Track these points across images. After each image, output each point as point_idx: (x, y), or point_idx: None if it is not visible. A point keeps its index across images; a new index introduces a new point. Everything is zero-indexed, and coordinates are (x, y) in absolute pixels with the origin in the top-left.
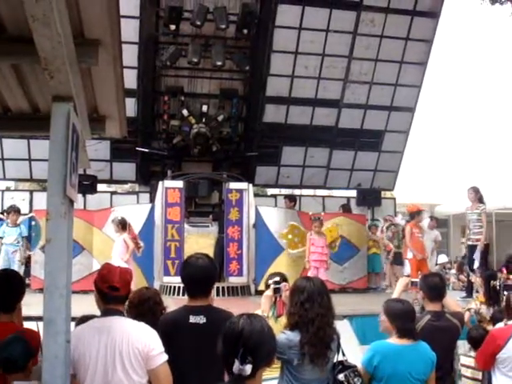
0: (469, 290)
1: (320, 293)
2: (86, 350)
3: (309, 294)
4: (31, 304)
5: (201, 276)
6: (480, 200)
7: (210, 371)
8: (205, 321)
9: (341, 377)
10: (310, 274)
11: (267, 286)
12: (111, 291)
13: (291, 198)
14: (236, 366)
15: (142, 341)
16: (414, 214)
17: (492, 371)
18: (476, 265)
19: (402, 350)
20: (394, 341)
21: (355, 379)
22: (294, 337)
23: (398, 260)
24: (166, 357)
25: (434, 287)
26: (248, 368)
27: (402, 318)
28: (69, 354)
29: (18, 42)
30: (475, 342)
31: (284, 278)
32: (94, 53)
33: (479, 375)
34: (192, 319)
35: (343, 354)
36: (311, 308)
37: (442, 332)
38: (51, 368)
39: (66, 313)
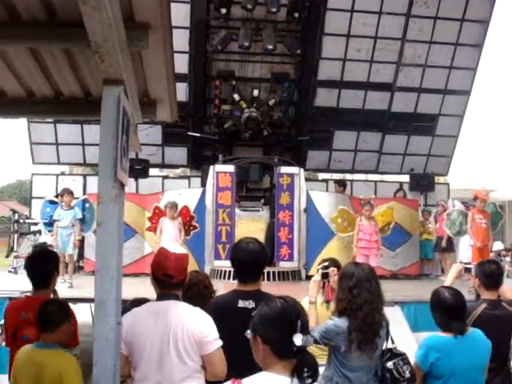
0: None
1: (368, 279)
2: (143, 332)
3: (357, 280)
4: (84, 286)
5: (251, 260)
6: None
7: None
8: (254, 305)
9: (389, 364)
10: (359, 260)
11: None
12: (166, 278)
13: (340, 183)
14: (301, 338)
15: (196, 326)
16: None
17: None
18: None
19: (456, 343)
20: (446, 334)
21: (404, 367)
22: (342, 323)
23: (450, 246)
24: (220, 343)
25: (491, 275)
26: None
27: (443, 312)
28: (119, 336)
29: (69, 26)
30: None
31: (336, 264)
32: (144, 36)
33: None
34: (241, 303)
35: (392, 342)
36: (359, 294)
37: (499, 321)
38: (102, 349)
39: (116, 295)
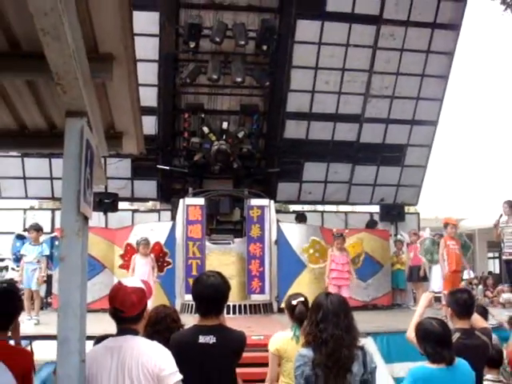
0: None
1: (336, 312)
2: (99, 370)
3: (324, 314)
4: (52, 323)
5: (211, 295)
6: None
7: None
8: (214, 341)
9: None
10: (331, 291)
11: (289, 308)
12: (116, 312)
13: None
14: None
15: (152, 361)
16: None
17: None
18: None
19: (445, 374)
20: (434, 364)
21: None
22: (307, 352)
23: (424, 276)
24: (179, 377)
25: (463, 304)
26: None
27: (434, 341)
28: (83, 374)
29: (32, 58)
30: (489, 360)
31: (305, 299)
32: (109, 68)
33: None
34: (201, 339)
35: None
36: (325, 329)
37: (474, 350)
38: None
39: (80, 332)
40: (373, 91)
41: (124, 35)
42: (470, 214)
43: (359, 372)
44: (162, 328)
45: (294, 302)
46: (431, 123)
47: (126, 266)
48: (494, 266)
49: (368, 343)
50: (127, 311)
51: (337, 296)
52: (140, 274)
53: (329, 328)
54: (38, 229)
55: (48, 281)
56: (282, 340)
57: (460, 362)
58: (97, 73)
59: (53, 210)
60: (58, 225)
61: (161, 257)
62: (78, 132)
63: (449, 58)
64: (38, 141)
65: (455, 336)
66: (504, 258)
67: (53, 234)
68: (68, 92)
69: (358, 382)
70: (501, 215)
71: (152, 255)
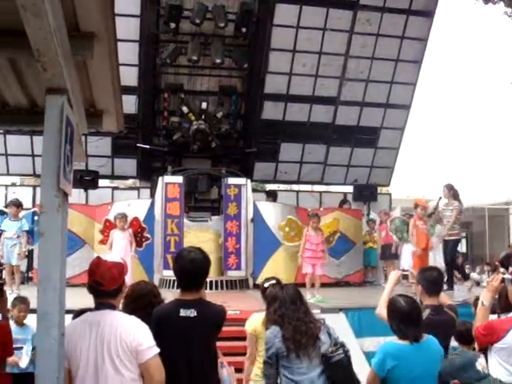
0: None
1: (293, 300)
2: (78, 344)
3: (281, 302)
4: (32, 297)
5: (192, 269)
6: (454, 197)
7: (200, 364)
8: (195, 314)
9: (328, 352)
10: (305, 269)
11: (263, 290)
12: (95, 285)
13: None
14: None
15: (130, 335)
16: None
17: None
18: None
19: (412, 350)
20: (402, 341)
21: (339, 350)
22: (275, 328)
23: (395, 254)
24: (156, 350)
25: (434, 281)
26: None
27: (399, 319)
28: (62, 348)
29: (13, 35)
30: (461, 337)
31: (279, 282)
32: (89, 46)
33: None
34: (183, 313)
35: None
36: (286, 313)
37: (443, 326)
38: (44, 361)
39: (59, 306)
40: (348, 75)
41: (105, 14)
42: (439, 195)
43: (326, 340)
44: (144, 303)
45: (266, 285)
46: (404, 107)
47: (105, 241)
48: (462, 245)
49: (340, 318)
50: (107, 284)
51: (291, 286)
52: (118, 248)
53: (289, 313)
54: (17, 204)
55: (29, 255)
56: (257, 321)
57: (429, 339)
58: (78, 51)
59: (34, 187)
60: (39, 201)
61: (139, 232)
62: (58, 109)
63: (422, 44)
64: (19, 118)
65: (425, 312)
66: (445, 238)
67: (33, 209)
68: (48, 69)
69: (329, 347)
70: (440, 198)
71: (130, 230)
